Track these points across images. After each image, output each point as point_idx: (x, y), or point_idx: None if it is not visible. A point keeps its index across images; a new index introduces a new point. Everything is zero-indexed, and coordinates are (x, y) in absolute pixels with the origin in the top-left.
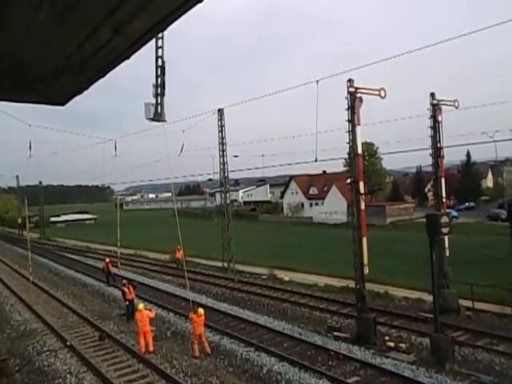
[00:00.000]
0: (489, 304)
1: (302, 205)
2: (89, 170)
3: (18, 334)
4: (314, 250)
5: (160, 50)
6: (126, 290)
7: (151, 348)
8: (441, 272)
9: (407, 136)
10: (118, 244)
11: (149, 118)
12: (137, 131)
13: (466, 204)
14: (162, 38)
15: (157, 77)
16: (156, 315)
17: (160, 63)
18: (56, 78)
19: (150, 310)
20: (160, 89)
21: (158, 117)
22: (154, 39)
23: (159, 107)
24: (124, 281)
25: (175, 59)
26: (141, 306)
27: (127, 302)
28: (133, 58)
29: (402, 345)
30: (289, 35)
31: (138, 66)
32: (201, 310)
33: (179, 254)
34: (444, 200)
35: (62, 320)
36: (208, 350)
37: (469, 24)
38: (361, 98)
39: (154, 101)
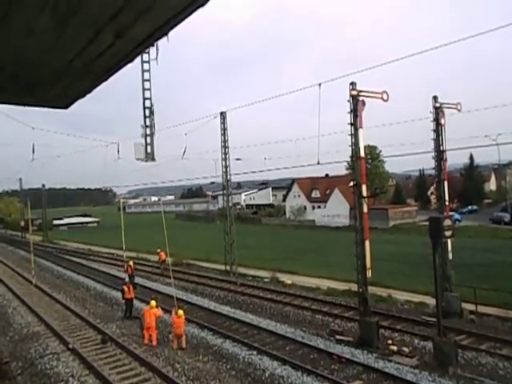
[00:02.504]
0: (492, 307)
1: (305, 208)
2: (91, 173)
3: (20, 336)
4: (317, 253)
5: (147, 92)
6: (125, 288)
7: (154, 343)
8: (444, 275)
9: (410, 139)
10: (124, 247)
11: (139, 159)
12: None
13: (469, 207)
14: (149, 80)
15: (145, 117)
16: (159, 317)
17: (148, 104)
18: (58, 82)
19: (157, 307)
20: (150, 129)
21: (148, 157)
22: (141, 81)
23: (149, 147)
24: (126, 280)
25: (181, 61)
26: (153, 303)
27: (124, 301)
28: (137, 60)
29: (405, 348)
30: (294, 38)
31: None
32: (180, 312)
33: (163, 256)
34: (447, 203)
35: (65, 323)
36: (178, 346)
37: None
38: (363, 101)
39: (143, 141)
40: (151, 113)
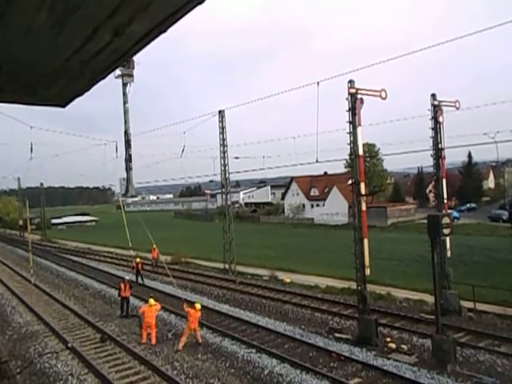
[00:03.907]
0: (491, 305)
1: (303, 206)
2: (90, 171)
3: (19, 335)
4: (316, 251)
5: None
6: (122, 286)
7: (154, 341)
8: (442, 273)
9: (408, 137)
10: (130, 244)
11: (122, 194)
12: (138, 133)
13: (468, 205)
14: (127, 112)
15: (126, 149)
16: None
17: (127, 138)
18: (56, 80)
19: (156, 305)
20: (127, 163)
21: (126, 192)
22: (123, 112)
23: (127, 182)
24: (127, 277)
25: (178, 63)
26: (152, 301)
27: (120, 298)
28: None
29: (404, 346)
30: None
31: (142, 66)
32: (198, 305)
33: (155, 254)
34: (445, 201)
35: (64, 322)
36: (199, 340)
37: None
38: (362, 99)
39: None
40: (129, 146)
